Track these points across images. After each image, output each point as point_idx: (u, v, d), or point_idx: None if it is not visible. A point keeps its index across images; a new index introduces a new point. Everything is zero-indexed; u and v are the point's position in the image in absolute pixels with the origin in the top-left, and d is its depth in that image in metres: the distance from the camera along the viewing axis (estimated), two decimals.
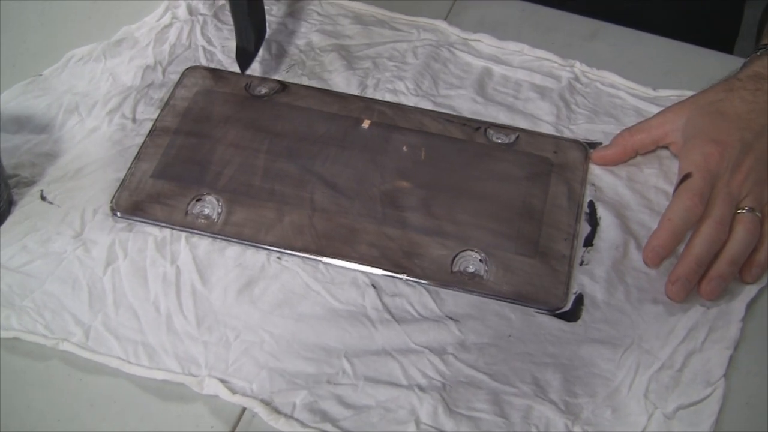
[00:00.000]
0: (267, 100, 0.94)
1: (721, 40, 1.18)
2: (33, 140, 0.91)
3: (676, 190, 0.81)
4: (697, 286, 0.79)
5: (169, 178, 0.87)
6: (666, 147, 0.90)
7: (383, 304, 0.79)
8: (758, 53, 0.90)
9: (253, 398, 0.73)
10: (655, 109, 0.92)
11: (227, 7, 1.02)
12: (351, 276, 0.81)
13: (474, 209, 0.85)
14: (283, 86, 0.96)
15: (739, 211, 0.80)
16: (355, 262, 0.81)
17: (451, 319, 0.78)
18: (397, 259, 0.81)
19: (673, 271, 0.79)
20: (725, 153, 0.81)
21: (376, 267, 0.81)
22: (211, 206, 0.85)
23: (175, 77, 0.97)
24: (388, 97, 0.95)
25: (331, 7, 1.06)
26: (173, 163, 0.88)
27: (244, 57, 0.97)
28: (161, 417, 0.73)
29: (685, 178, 0.80)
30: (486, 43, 1.01)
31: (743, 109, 0.84)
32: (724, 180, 0.80)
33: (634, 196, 0.87)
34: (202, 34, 1.02)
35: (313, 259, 0.82)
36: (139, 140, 0.91)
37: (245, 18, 0.95)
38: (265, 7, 1.00)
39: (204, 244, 0.83)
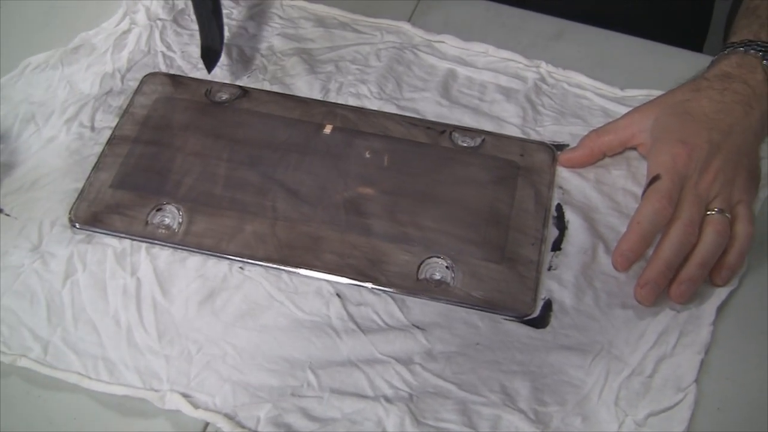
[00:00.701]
0: (228, 107, 0.93)
1: (691, 38, 1.18)
2: None
3: (644, 192, 0.80)
4: (666, 289, 0.78)
5: (129, 188, 0.86)
6: (634, 148, 0.89)
7: (348, 313, 0.78)
8: (726, 52, 0.89)
9: (216, 413, 0.72)
10: (622, 110, 0.91)
11: (187, 11, 1.01)
12: (315, 285, 0.80)
13: (439, 215, 0.84)
14: (245, 92, 0.94)
15: (708, 212, 0.79)
16: (319, 271, 0.80)
17: (417, 327, 0.77)
18: (362, 268, 0.80)
19: (642, 275, 0.78)
20: (693, 154, 0.80)
21: (341, 276, 0.80)
22: (171, 216, 0.83)
23: (134, 84, 0.95)
24: (351, 101, 0.94)
25: (292, 9, 1.05)
26: (133, 173, 0.87)
27: (211, 56, 0.95)
28: None
29: (653, 180, 0.80)
30: (450, 44, 1.00)
31: (711, 109, 0.83)
32: (693, 181, 0.80)
33: (602, 199, 0.86)
34: (162, 39, 1.00)
35: (276, 268, 0.81)
36: (98, 149, 0.89)
37: (210, 16, 0.94)
38: (225, 11, 0.99)
39: (165, 254, 0.81)
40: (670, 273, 0.77)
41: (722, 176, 0.80)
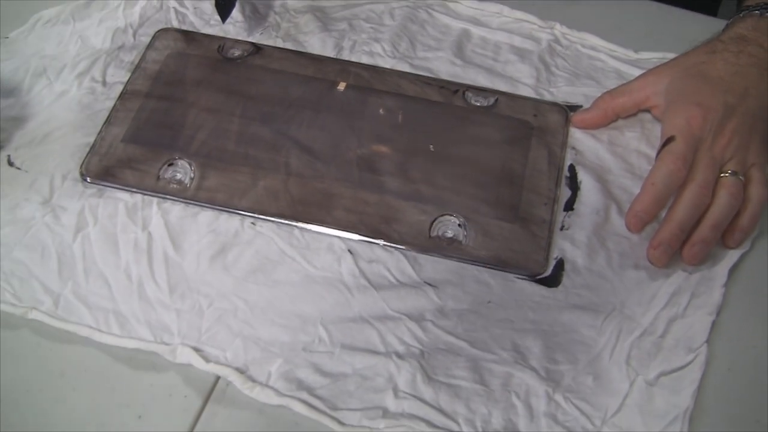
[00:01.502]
0: (240, 63, 0.92)
1: (705, 3, 1.17)
2: None
3: (658, 153, 0.80)
4: (679, 250, 0.78)
5: (141, 143, 0.85)
6: (647, 110, 0.88)
7: (360, 270, 0.78)
8: (741, 15, 0.88)
9: (227, 366, 0.72)
10: (636, 72, 0.91)
11: None
12: (327, 242, 0.80)
13: (453, 173, 0.83)
14: (257, 49, 0.94)
15: (722, 175, 0.79)
16: (332, 228, 0.80)
17: (429, 285, 0.77)
18: (375, 225, 0.80)
19: (656, 236, 0.77)
20: (708, 116, 0.80)
21: (353, 232, 0.80)
22: (183, 171, 0.83)
23: (146, 39, 0.95)
24: (365, 60, 0.93)
25: None
26: (144, 128, 0.86)
27: (225, 5, 0.95)
28: (133, 386, 0.72)
29: (667, 141, 0.79)
30: (465, 4, 0.99)
31: (726, 72, 0.83)
32: (707, 144, 0.79)
33: (615, 160, 0.86)
34: None
35: (288, 224, 0.80)
36: (110, 104, 0.89)
37: None
38: None
39: (176, 209, 0.81)
40: (683, 234, 0.77)
41: (737, 139, 0.80)
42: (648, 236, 0.79)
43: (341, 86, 0.90)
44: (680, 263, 0.78)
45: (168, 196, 0.82)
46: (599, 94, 0.89)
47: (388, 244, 0.79)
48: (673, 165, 0.78)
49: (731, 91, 0.82)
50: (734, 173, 0.79)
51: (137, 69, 0.91)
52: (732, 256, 0.79)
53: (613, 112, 0.88)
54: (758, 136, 0.82)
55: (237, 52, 0.93)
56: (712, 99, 0.81)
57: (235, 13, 0.97)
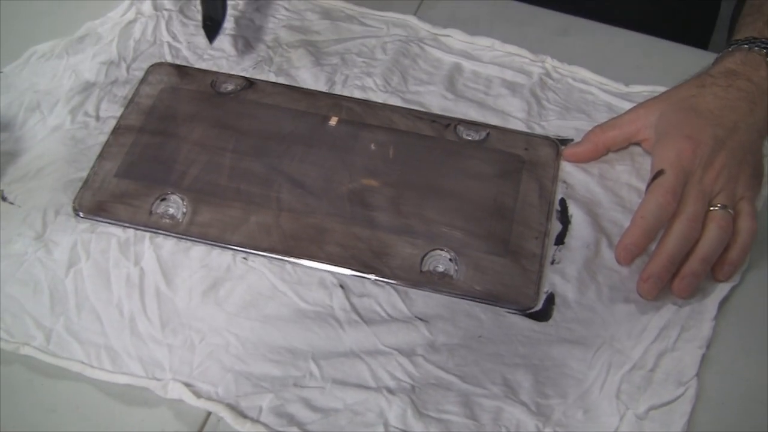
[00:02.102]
0: (233, 98, 0.93)
1: (696, 35, 1.18)
2: None
3: (648, 187, 0.80)
4: (669, 283, 0.78)
5: (133, 178, 0.86)
6: (638, 144, 0.89)
7: (351, 304, 0.78)
8: (730, 49, 0.89)
9: (219, 402, 0.72)
10: (626, 105, 0.91)
11: (193, 2, 1.01)
12: (318, 276, 0.80)
13: (444, 208, 0.84)
14: (250, 83, 0.94)
15: (711, 208, 0.79)
16: (323, 263, 0.80)
17: (420, 319, 0.77)
18: (366, 259, 0.80)
19: (645, 269, 0.78)
20: (698, 150, 0.80)
21: (344, 267, 0.80)
22: (175, 206, 0.83)
23: (140, 74, 0.95)
24: (357, 94, 0.94)
25: (298, 1, 1.05)
26: (137, 162, 0.87)
27: (212, 27, 0.95)
28: (125, 422, 0.72)
29: (657, 174, 0.80)
30: (456, 38, 1.00)
31: (716, 106, 0.83)
32: (697, 177, 0.80)
33: (605, 194, 0.86)
34: (168, 29, 1.00)
35: (280, 259, 0.81)
36: (103, 138, 0.89)
37: None
38: (231, 2, 0.99)
39: (168, 244, 0.81)
40: (673, 267, 0.77)
41: (726, 172, 0.80)
42: (638, 269, 0.79)
43: (333, 121, 0.90)
44: (670, 296, 0.78)
45: (160, 231, 0.82)
46: (590, 128, 0.89)
47: (380, 278, 0.79)
48: (663, 198, 0.78)
49: (721, 125, 0.82)
50: (723, 206, 0.79)
51: (130, 103, 0.92)
52: (722, 290, 0.79)
53: (604, 146, 0.88)
54: (747, 170, 0.82)
55: (230, 87, 0.94)
56: (702, 132, 0.82)
57: (228, 47, 0.98)
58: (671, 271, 0.77)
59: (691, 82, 0.87)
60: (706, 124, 0.82)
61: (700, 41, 1.19)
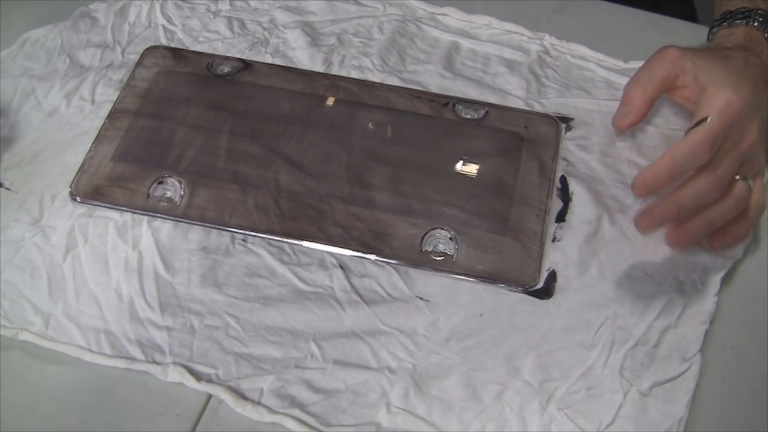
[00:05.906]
0: (230, 80, 0.92)
1: (692, 11, 1.16)
2: None
3: (688, 132, 0.74)
4: (665, 232, 0.78)
5: (130, 161, 0.85)
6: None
7: (351, 285, 0.78)
8: (726, 24, 0.85)
9: (219, 385, 0.72)
10: (626, 81, 0.89)
11: None
12: (318, 257, 0.79)
13: (443, 187, 0.83)
14: (246, 65, 0.93)
15: (736, 177, 0.76)
16: (322, 243, 0.80)
17: (421, 299, 0.77)
18: (366, 240, 0.80)
19: (651, 206, 0.77)
20: (744, 107, 0.75)
21: (344, 248, 0.79)
22: (173, 189, 0.83)
23: (135, 58, 0.95)
24: (354, 74, 0.93)
25: None
26: (134, 146, 0.86)
27: None
28: (125, 406, 0.72)
29: (701, 121, 0.74)
30: (453, 17, 0.99)
31: (744, 74, 0.80)
32: (735, 136, 0.75)
33: (606, 171, 0.86)
34: (162, 12, 0.99)
35: (278, 240, 0.80)
36: (99, 123, 0.88)
37: None
38: None
39: (166, 227, 0.81)
40: (679, 219, 0.76)
41: (758, 142, 0.76)
42: (641, 248, 0.79)
43: (330, 101, 0.89)
44: (672, 271, 0.78)
45: (158, 215, 0.81)
46: (589, 105, 0.89)
47: (380, 259, 0.79)
48: (700, 147, 0.73)
49: (755, 90, 0.77)
50: (744, 178, 0.76)
51: (126, 87, 0.91)
52: (724, 265, 0.79)
53: (652, 103, 0.81)
54: (764, 145, 0.79)
55: (226, 69, 0.93)
56: (744, 89, 0.76)
57: (223, 29, 0.97)
58: (674, 221, 0.77)
59: (713, 47, 0.83)
60: (745, 85, 0.76)
61: (688, 15, 1.17)
